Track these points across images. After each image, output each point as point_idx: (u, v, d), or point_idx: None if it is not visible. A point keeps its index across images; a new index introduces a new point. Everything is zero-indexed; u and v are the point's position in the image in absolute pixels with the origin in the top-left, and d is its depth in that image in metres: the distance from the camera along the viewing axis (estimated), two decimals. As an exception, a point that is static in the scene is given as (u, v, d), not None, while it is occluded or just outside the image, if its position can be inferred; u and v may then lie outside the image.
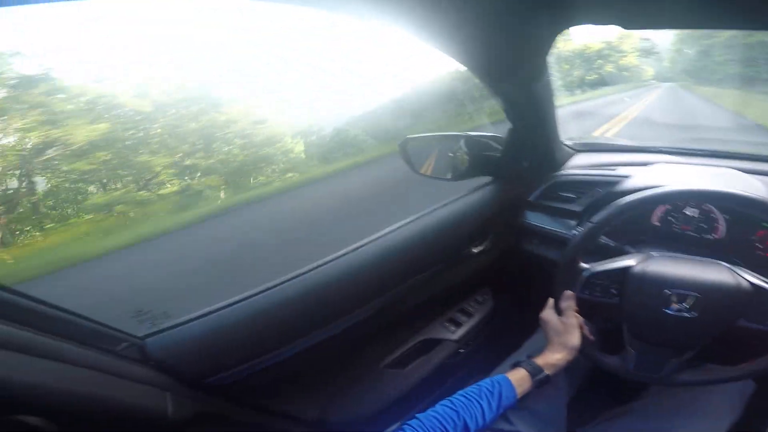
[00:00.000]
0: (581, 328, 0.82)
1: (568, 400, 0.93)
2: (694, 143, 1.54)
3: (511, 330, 1.14)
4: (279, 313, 0.82)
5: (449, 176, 1.19)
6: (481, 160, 1.17)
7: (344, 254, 0.94)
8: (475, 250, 1.17)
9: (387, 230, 1.03)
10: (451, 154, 1.22)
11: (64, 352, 0.51)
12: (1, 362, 0.43)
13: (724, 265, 0.74)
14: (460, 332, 1.26)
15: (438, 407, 0.67)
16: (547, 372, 0.77)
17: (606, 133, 6.36)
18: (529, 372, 0.76)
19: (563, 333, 0.80)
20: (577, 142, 1.37)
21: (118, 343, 0.65)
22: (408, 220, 1.07)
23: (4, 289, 0.50)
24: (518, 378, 0.75)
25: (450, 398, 0.69)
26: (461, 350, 1.25)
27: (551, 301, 0.85)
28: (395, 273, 0.99)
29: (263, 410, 0.88)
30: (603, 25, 0.62)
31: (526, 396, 0.81)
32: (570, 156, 1.30)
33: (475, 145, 1.17)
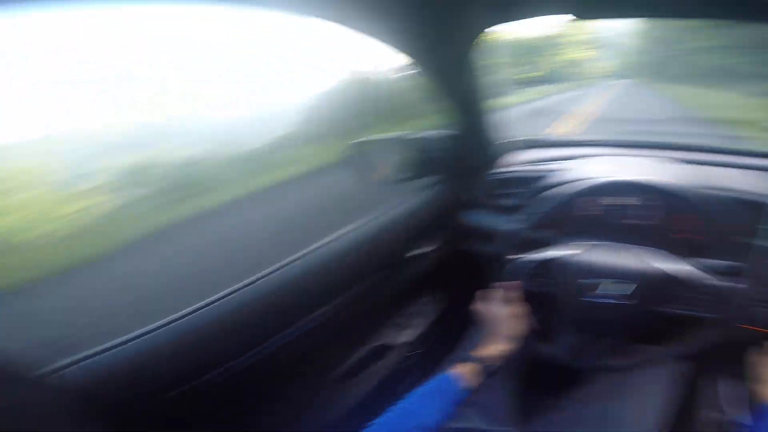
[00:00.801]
0: (520, 317, 0.84)
1: (517, 391, 0.95)
2: (634, 136, 1.62)
3: (462, 328, 1.15)
4: (217, 329, 0.77)
5: (395, 179, 1.19)
6: (425, 161, 1.17)
7: (287, 263, 0.91)
8: (421, 252, 1.17)
9: (331, 237, 1.01)
10: (395, 157, 1.23)
11: None
12: None
13: (648, 254, 0.79)
14: (411, 335, 1.27)
15: (389, 414, 0.66)
16: (491, 363, 0.79)
17: (570, 127, 6.65)
18: (475, 365, 0.77)
19: (503, 323, 0.82)
20: (520, 139, 1.41)
21: (33, 372, 0.60)
22: (352, 225, 1.06)
23: None
24: (467, 372, 0.76)
25: (403, 401, 0.69)
26: (416, 352, 1.26)
27: (492, 291, 0.87)
28: (341, 280, 0.97)
29: None
30: (559, 14, 0.63)
31: (477, 391, 0.82)
32: (513, 153, 1.33)
33: (418, 146, 1.17)
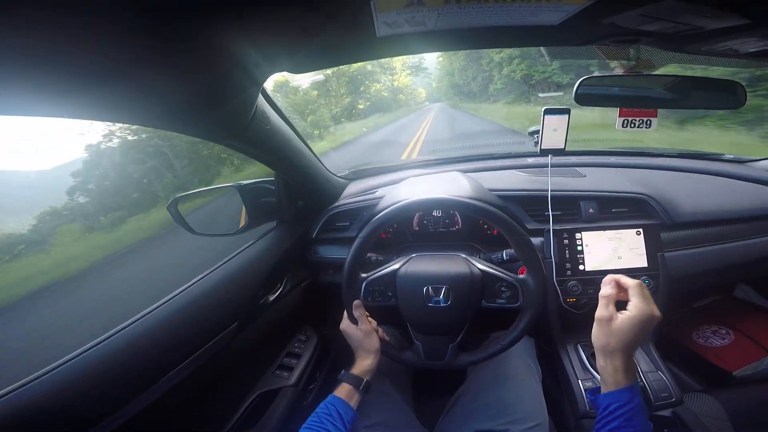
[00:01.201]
0: (377, 331, 0.89)
1: (412, 403, 0.99)
2: (439, 153, 1.95)
3: (343, 356, 1.16)
4: (58, 400, 0.65)
5: (231, 230, 1.16)
6: (259, 207, 1.18)
7: (131, 323, 0.81)
8: (273, 296, 1.16)
9: (178, 290, 0.93)
10: (228, 207, 1.20)
11: None
12: None
13: (461, 256, 0.90)
14: (294, 375, 1.24)
15: None
16: (366, 378, 0.83)
17: (411, 155, 7.48)
18: (351, 384, 0.81)
19: (364, 339, 0.87)
20: (350, 171, 1.55)
21: None
22: (198, 278, 0.99)
23: None
24: (346, 392, 0.79)
25: None
26: (309, 389, 1.23)
27: (345, 312, 0.91)
28: (193, 334, 0.89)
29: None
30: (277, 72, 0.70)
31: (373, 413, 0.86)
32: (344, 186, 1.44)
33: (249, 193, 1.17)
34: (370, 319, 0.90)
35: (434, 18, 0.50)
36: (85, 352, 0.72)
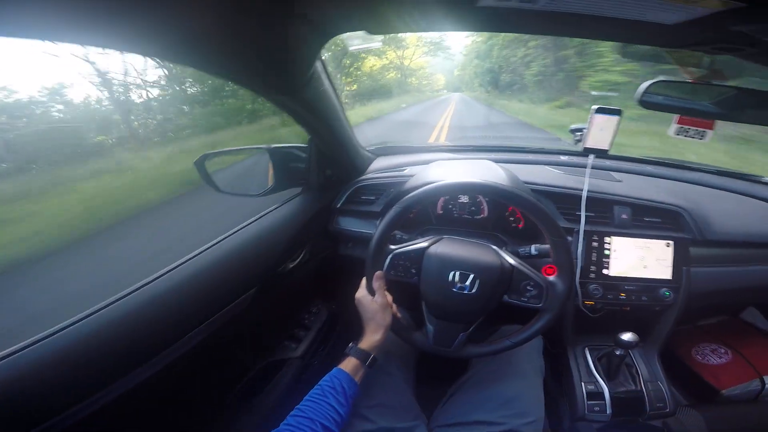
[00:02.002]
0: (389, 306, 0.88)
1: (414, 387, 0.99)
2: (469, 140, 1.91)
3: (349, 332, 1.16)
4: (81, 354, 0.64)
5: (256, 192, 1.12)
6: (287, 171, 1.15)
7: (151, 281, 0.79)
8: (292, 264, 1.14)
9: (198, 251, 0.91)
10: (255, 168, 1.16)
11: None
12: None
13: (492, 248, 0.88)
14: (302, 348, 1.24)
15: (290, 419, 0.65)
16: (373, 353, 0.82)
17: (439, 138, 7.32)
18: (358, 358, 0.80)
19: (377, 312, 0.85)
20: (377, 147, 1.51)
21: None
22: (219, 239, 0.97)
23: None
24: (351, 366, 0.78)
25: (298, 407, 0.68)
26: (313, 362, 1.23)
27: (364, 281, 0.89)
28: (211, 297, 0.88)
29: None
30: (354, 31, 0.66)
31: (375, 393, 0.86)
32: (371, 161, 1.40)
33: (279, 157, 1.13)
34: (387, 293, 0.89)
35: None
36: (104, 308, 0.70)
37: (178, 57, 0.56)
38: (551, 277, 0.82)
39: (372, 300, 0.86)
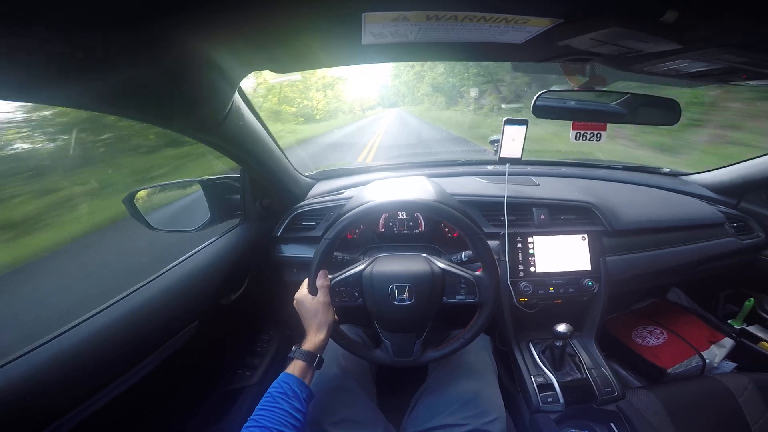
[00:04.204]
0: (329, 304, 0.87)
1: (377, 400, 0.99)
2: (408, 158, 1.99)
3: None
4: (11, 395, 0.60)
5: (192, 226, 1.12)
6: (223, 203, 1.16)
7: (88, 318, 0.77)
8: (235, 295, 1.14)
9: (135, 287, 0.90)
10: (190, 203, 1.17)
11: None
12: None
13: (422, 256, 0.93)
14: (257, 375, 1.23)
15: (244, 431, 0.63)
16: (318, 354, 0.81)
17: (366, 158, 7.36)
18: (305, 360, 0.78)
19: (318, 311, 0.85)
20: (316, 171, 1.55)
21: None
22: (156, 275, 0.96)
23: None
24: (299, 369, 0.77)
25: (251, 417, 0.66)
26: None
27: (305, 282, 0.89)
28: (151, 331, 0.87)
29: None
30: (260, 70, 0.72)
31: (339, 409, 0.85)
32: (311, 186, 1.44)
33: (213, 189, 1.14)
34: (327, 292, 0.88)
35: (415, 32, 0.53)
36: (40, 346, 0.68)
37: (89, 104, 0.58)
38: (478, 273, 0.88)
39: (313, 299, 0.86)
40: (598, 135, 1.03)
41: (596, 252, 1.19)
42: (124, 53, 0.48)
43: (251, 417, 0.66)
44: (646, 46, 0.62)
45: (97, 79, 0.50)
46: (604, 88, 0.98)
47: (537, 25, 0.52)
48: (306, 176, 1.45)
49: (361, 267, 0.90)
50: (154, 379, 0.84)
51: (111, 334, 0.77)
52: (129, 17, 0.42)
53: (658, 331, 1.50)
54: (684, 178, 1.50)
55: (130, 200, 1.06)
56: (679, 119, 1.01)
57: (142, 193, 1.09)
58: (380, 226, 1.27)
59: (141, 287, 0.90)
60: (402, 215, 1.27)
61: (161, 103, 0.64)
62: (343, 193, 1.33)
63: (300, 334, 0.87)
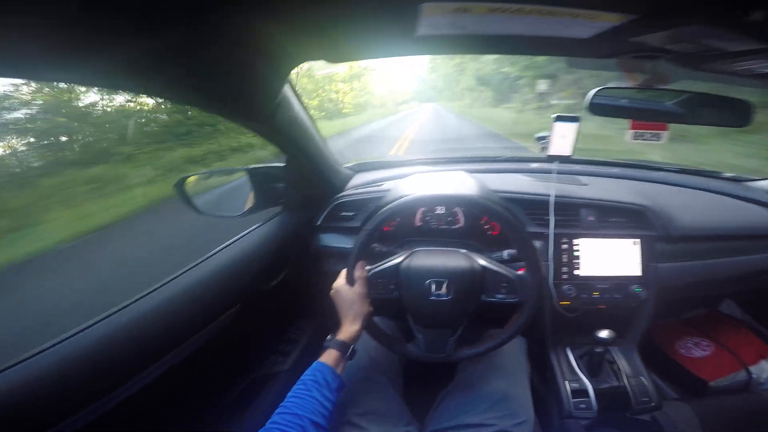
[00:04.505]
0: (365, 296, 0.88)
1: (403, 394, 0.99)
2: (445, 152, 1.97)
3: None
4: (65, 374, 0.65)
5: (237, 213, 1.16)
6: (266, 191, 1.19)
7: (134, 301, 0.81)
8: (275, 281, 1.17)
9: (180, 271, 0.94)
10: (236, 189, 1.21)
11: None
12: None
13: (462, 252, 0.92)
14: (290, 361, 1.26)
15: (276, 417, 0.65)
16: (351, 344, 0.82)
17: (398, 151, 7.32)
18: (338, 350, 0.80)
19: (355, 303, 0.86)
20: (355, 164, 1.56)
21: None
22: (201, 259, 1.00)
23: None
24: (332, 359, 0.78)
25: (283, 404, 0.68)
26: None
27: (343, 272, 0.90)
28: (195, 315, 0.90)
29: None
30: (314, 60, 0.73)
31: (364, 400, 0.87)
32: (350, 178, 1.45)
33: (258, 177, 1.17)
34: (364, 284, 0.89)
35: (474, 23, 0.52)
36: (85, 329, 0.72)
37: (148, 89, 0.61)
38: (520, 272, 0.86)
39: (350, 290, 0.87)
40: (658, 135, 0.98)
41: (648, 258, 1.14)
42: (187, 41, 0.49)
43: (282, 403, 0.68)
44: (726, 45, 0.57)
45: (162, 68, 0.52)
46: (667, 87, 0.93)
47: (608, 20, 0.49)
48: (346, 168, 1.46)
49: (399, 260, 0.90)
50: (192, 363, 0.87)
51: (154, 318, 0.80)
52: (190, 3, 0.43)
53: (705, 343, 1.43)
54: (748, 184, 1.39)
55: (179, 185, 1.10)
56: (750, 121, 0.93)
57: (191, 179, 1.13)
58: (417, 220, 1.26)
59: (185, 272, 0.94)
60: (440, 210, 1.25)
61: (218, 91, 0.66)
62: (381, 185, 1.33)
63: (334, 324, 0.88)
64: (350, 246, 1.22)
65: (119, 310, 0.77)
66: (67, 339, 0.68)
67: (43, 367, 0.64)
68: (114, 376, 0.71)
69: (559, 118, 1.11)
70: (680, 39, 0.53)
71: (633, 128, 0.97)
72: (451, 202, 0.89)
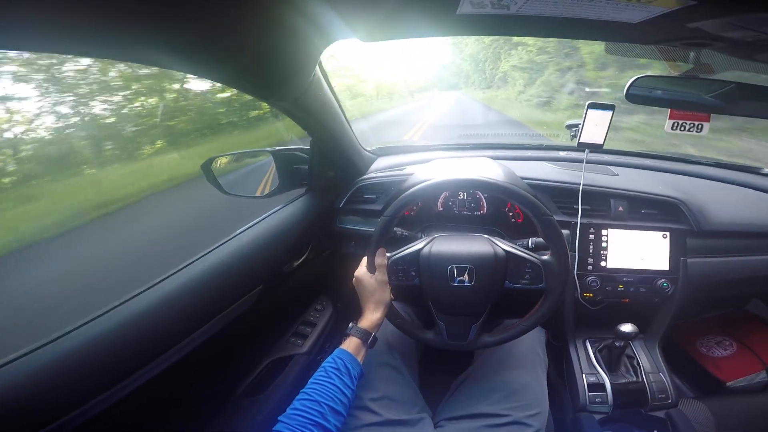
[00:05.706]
0: (386, 283, 0.88)
1: (418, 381, 1.00)
2: (469, 138, 1.94)
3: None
4: (91, 354, 0.66)
5: (261, 193, 1.17)
6: (290, 173, 1.19)
7: (159, 281, 0.82)
8: (296, 263, 1.19)
9: (205, 251, 0.94)
10: (260, 171, 1.22)
11: None
12: None
13: (485, 237, 0.89)
14: (307, 344, 1.27)
15: (296, 403, 0.66)
16: (373, 332, 0.83)
17: (414, 136, 7.20)
18: (359, 338, 0.81)
19: (376, 291, 0.85)
20: (377, 147, 1.55)
21: None
22: (226, 239, 1.01)
23: None
24: (354, 346, 0.79)
25: (303, 390, 0.69)
26: (318, 358, 1.26)
27: (364, 260, 0.89)
28: (218, 296, 0.91)
29: None
30: (347, 38, 0.70)
31: (380, 386, 0.87)
32: (372, 161, 1.44)
33: (282, 159, 1.18)
34: (385, 271, 0.89)
35: (520, 3, 0.49)
36: (114, 308, 0.73)
37: (182, 65, 0.61)
38: (546, 256, 0.83)
39: (371, 277, 0.86)
40: (700, 126, 0.93)
41: (677, 252, 1.11)
42: (228, 22, 0.49)
43: (303, 390, 0.69)
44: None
45: (203, 49, 0.52)
46: (711, 77, 0.88)
47: (663, 5, 0.46)
48: (369, 151, 1.45)
49: (420, 246, 0.88)
50: (213, 344, 0.88)
51: (179, 298, 0.81)
52: None
53: (728, 342, 1.40)
54: None
55: (207, 166, 1.12)
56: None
57: (218, 160, 1.14)
58: (439, 205, 1.25)
59: (209, 252, 0.94)
60: (463, 195, 1.24)
61: (254, 71, 0.66)
62: (404, 169, 1.32)
63: (354, 309, 0.88)
64: (371, 229, 1.23)
65: (141, 292, 0.78)
66: (74, 330, 0.68)
67: (69, 348, 0.64)
68: (135, 360, 0.72)
69: (593, 106, 1.07)
70: (740, 27, 0.50)
71: (672, 117, 0.93)
72: (474, 186, 0.85)
